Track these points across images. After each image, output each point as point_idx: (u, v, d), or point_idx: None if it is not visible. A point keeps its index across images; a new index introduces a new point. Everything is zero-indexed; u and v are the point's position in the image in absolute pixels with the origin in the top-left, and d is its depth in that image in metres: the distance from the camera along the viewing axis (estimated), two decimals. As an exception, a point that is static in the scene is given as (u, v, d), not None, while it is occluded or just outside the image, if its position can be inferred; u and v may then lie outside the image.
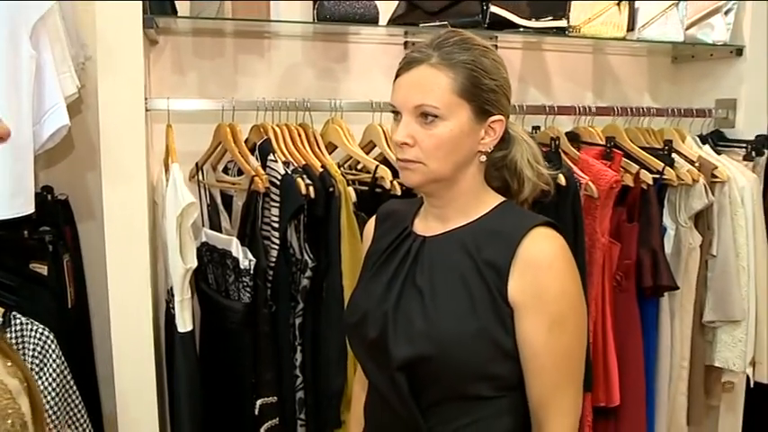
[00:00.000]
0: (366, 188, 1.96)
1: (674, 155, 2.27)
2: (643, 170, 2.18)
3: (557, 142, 2.12)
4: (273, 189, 1.87)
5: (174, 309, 1.86)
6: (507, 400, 1.23)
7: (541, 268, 1.19)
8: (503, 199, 1.31)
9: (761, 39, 2.50)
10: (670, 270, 2.19)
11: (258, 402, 1.84)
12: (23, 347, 1.62)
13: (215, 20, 2.05)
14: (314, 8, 2.09)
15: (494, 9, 2.13)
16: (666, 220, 2.29)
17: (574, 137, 2.28)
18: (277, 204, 1.86)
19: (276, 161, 1.90)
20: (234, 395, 1.88)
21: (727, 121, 2.56)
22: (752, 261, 2.33)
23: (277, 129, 2.02)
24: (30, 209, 1.71)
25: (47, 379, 1.63)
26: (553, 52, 2.60)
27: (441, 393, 1.22)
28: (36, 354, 1.62)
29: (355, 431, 1.47)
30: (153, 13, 1.92)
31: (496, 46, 2.41)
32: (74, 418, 1.73)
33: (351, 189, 1.90)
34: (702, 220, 2.30)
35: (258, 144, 1.97)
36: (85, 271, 2.14)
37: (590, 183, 2.06)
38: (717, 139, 2.53)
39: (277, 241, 1.85)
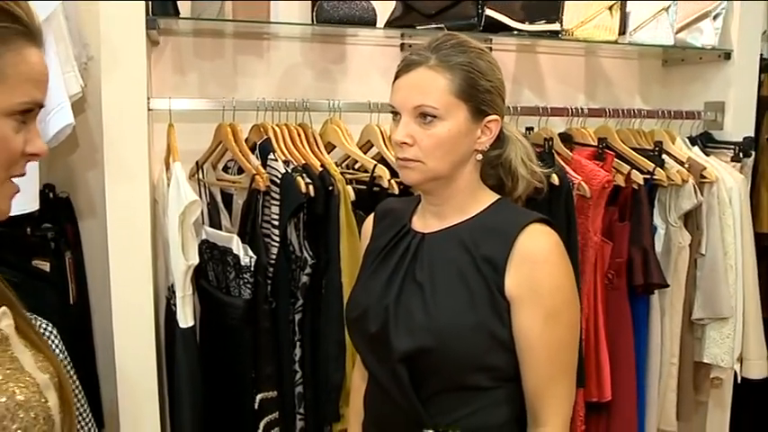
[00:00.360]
0: (364, 187, 1.99)
1: (664, 156, 2.32)
2: (634, 170, 2.23)
3: (550, 143, 2.17)
4: (274, 187, 1.90)
5: (174, 305, 1.89)
6: (504, 390, 1.28)
7: (537, 263, 1.23)
8: (498, 197, 1.35)
9: (748, 43, 2.55)
10: (660, 268, 2.24)
11: (258, 397, 1.87)
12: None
13: (215, 21, 2.08)
14: (313, 10, 2.12)
15: (489, 12, 2.16)
16: (657, 220, 2.34)
17: (566, 138, 2.32)
18: (277, 202, 1.89)
19: (276, 160, 1.93)
20: (234, 390, 1.90)
21: (715, 124, 2.60)
22: (739, 260, 2.38)
23: (277, 128, 2.04)
24: (34, 206, 1.74)
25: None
26: (546, 55, 2.64)
27: (440, 384, 1.26)
28: (40, 348, 1.65)
29: (355, 423, 1.50)
30: (155, 15, 1.95)
31: (491, 48, 2.45)
32: (76, 411, 1.76)
33: (349, 188, 1.93)
34: (692, 219, 2.35)
35: (258, 143, 2.00)
36: (86, 268, 2.16)
37: (582, 183, 2.11)
38: (706, 141, 2.57)
39: (277, 239, 1.88)
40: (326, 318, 1.90)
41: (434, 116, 1.24)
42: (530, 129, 2.38)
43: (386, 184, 1.93)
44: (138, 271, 1.86)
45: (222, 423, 1.93)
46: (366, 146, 2.16)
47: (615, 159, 2.24)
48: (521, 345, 1.24)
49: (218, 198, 2.14)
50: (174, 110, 2.02)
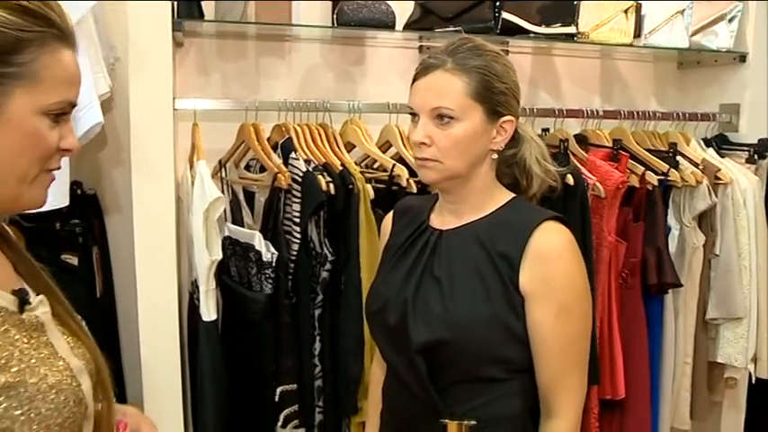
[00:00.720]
0: (383, 186, 2.03)
1: (678, 157, 2.35)
2: (648, 172, 2.26)
3: (565, 144, 2.20)
4: (295, 186, 1.95)
5: (198, 299, 1.94)
6: (518, 382, 1.32)
7: (551, 259, 1.28)
8: (513, 195, 1.40)
9: (763, 46, 2.57)
10: (674, 268, 2.26)
11: (278, 389, 1.92)
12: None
13: (238, 23, 2.13)
14: (333, 13, 2.17)
15: (505, 15, 2.20)
16: (671, 221, 2.36)
17: (582, 139, 2.35)
18: (298, 200, 1.94)
19: (298, 159, 1.98)
20: (255, 382, 1.95)
21: (730, 126, 2.63)
22: (753, 260, 2.40)
23: (298, 128, 2.09)
24: (65, 202, 1.80)
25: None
26: (563, 57, 2.67)
27: (456, 375, 1.31)
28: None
29: (373, 415, 1.54)
30: (181, 17, 2.00)
31: (508, 51, 2.48)
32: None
33: (369, 186, 1.98)
34: (706, 220, 2.37)
35: (280, 143, 2.05)
36: (112, 262, 2.22)
37: (597, 183, 2.14)
38: (720, 143, 2.60)
39: (298, 235, 1.93)
40: (346, 313, 1.95)
41: (451, 117, 1.29)
42: (545, 130, 2.41)
43: (404, 183, 1.98)
44: (163, 266, 1.90)
45: (244, 414, 1.98)
46: (385, 146, 2.21)
47: (630, 160, 2.27)
48: (534, 338, 1.28)
49: (241, 196, 2.19)
50: (198, 110, 2.08)
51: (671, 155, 2.33)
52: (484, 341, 1.28)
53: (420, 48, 2.42)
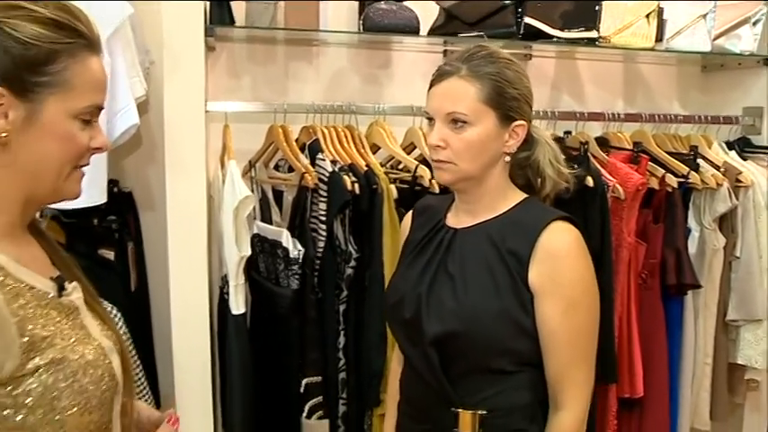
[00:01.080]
0: (407, 186, 2.10)
1: (699, 160, 2.37)
2: (668, 174, 2.29)
3: (586, 146, 2.24)
4: (321, 185, 2.02)
5: (227, 294, 2.02)
6: (527, 375, 1.38)
7: (558, 257, 1.34)
8: (526, 195, 1.46)
9: (787, 49, 2.58)
10: (693, 269, 2.29)
11: (304, 381, 1.99)
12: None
13: (268, 29, 2.20)
14: (359, 19, 2.23)
15: (528, 20, 2.24)
16: (691, 223, 2.39)
17: (603, 141, 2.38)
18: (325, 199, 2.01)
19: (324, 160, 2.05)
20: (282, 374, 2.03)
21: (753, 129, 2.64)
22: (774, 263, 2.42)
23: (325, 130, 2.17)
24: (102, 198, 1.89)
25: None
26: (586, 61, 2.70)
27: (467, 366, 1.37)
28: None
29: (391, 405, 1.61)
30: (213, 23, 2.08)
31: (531, 55, 2.54)
32: (136, 384, 1.90)
33: (392, 186, 2.05)
34: (727, 222, 2.40)
35: (308, 144, 2.13)
36: (146, 257, 2.29)
37: (617, 185, 2.17)
38: (743, 146, 2.61)
39: (324, 233, 2.00)
40: (369, 308, 2.01)
41: (465, 122, 1.35)
42: (568, 133, 2.44)
43: (427, 184, 2.04)
44: (195, 261, 1.98)
45: (270, 404, 2.05)
46: (409, 147, 2.27)
47: (650, 163, 2.30)
48: (543, 332, 1.34)
49: (270, 195, 2.27)
50: (229, 112, 2.16)
51: (691, 157, 2.36)
52: (493, 334, 1.34)
53: (444, 52, 2.47)
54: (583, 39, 2.32)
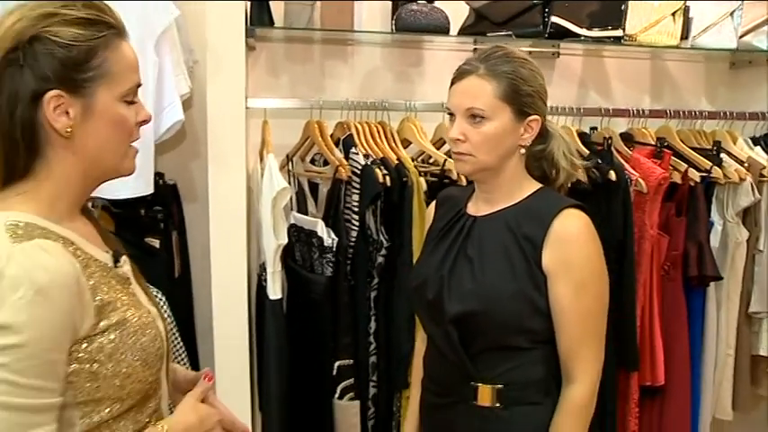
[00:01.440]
0: (436, 179, 2.20)
1: (723, 155, 2.42)
2: (691, 168, 2.34)
3: (609, 141, 2.30)
4: (355, 178, 2.12)
5: (265, 280, 2.13)
6: (540, 351, 1.48)
7: (569, 242, 1.43)
8: (541, 185, 1.55)
9: (814, 46, 2.59)
10: (714, 261, 2.34)
11: (336, 364, 2.10)
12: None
13: (305, 30, 2.30)
14: (392, 19, 2.33)
15: (555, 19, 2.31)
16: (714, 216, 2.44)
17: (627, 137, 2.44)
18: (357, 191, 2.11)
19: (357, 154, 2.15)
20: (315, 356, 2.13)
21: (780, 125, 2.68)
22: (797, 256, 2.45)
23: (359, 126, 2.27)
24: (150, 189, 2.01)
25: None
26: (613, 59, 2.74)
27: (486, 344, 1.47)
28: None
29: (416, 381, 1.72)
30: (253, 24, 2.19)
31: (559, 53, 2.61)
32: (177, 360, 2.04)
33: (422, 179, 2.15)
34: (750, 216, 2.45)
35: (342, 139, 2.23)
36: (189, 245, 2.41)
37: (640, 179, 2.24)
38: (769, 141, 2.65)
39: (357, 223, 2.11)
40: (399, 295, 2.11)
41: (483, 117, 1.45)
42: (594, 128, 2.51)
43: (455, 177, 2.13)
44: (235, 249, 2.09)
45: (304, 385, 2.16)
46: (439, 142, 2.36)
47: (673, 158, 2.36)
48: (555, 311, 1.44)
49: (306, 187, 2.38)
50: (267, 108, 2.27)
51: (715, 152, 2.41)
52: (510, 313, 1.44)
53: (474, 50, 2.51)
54: (609, 37, 2.38)
